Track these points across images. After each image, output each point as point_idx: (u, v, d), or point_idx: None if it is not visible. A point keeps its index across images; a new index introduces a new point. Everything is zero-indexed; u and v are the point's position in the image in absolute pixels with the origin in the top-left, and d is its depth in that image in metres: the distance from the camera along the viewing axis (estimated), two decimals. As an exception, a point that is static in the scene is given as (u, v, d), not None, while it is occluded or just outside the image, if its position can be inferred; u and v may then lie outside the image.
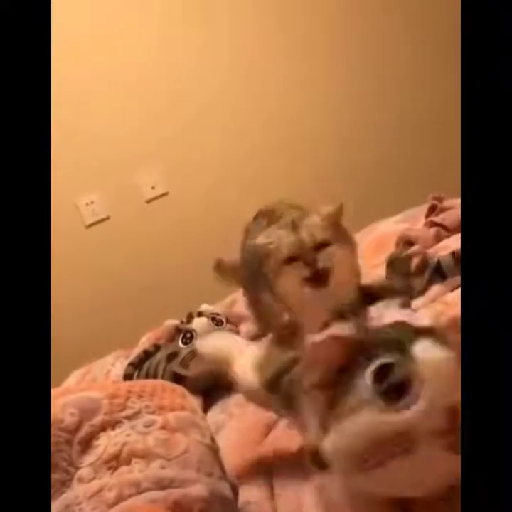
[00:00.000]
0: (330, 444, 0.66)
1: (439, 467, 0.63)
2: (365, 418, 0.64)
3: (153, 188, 2.98)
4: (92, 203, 2.94)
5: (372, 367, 0.65)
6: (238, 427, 1.24)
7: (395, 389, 0.63)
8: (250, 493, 0.98)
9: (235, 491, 0.91)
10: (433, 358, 0.65)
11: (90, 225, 2.96)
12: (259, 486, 0.99)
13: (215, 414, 1.38)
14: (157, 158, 2.98)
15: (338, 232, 1.25)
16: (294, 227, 1.24)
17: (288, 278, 1.21)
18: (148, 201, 2.99)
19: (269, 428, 1.15)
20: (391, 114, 3.09)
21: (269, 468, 1.03)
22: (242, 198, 2.81)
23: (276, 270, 1.23)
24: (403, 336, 0.68)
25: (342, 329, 0.71)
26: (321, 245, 1.20)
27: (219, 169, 3.02)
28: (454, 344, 0.65)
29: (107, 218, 2.95)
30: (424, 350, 0.66)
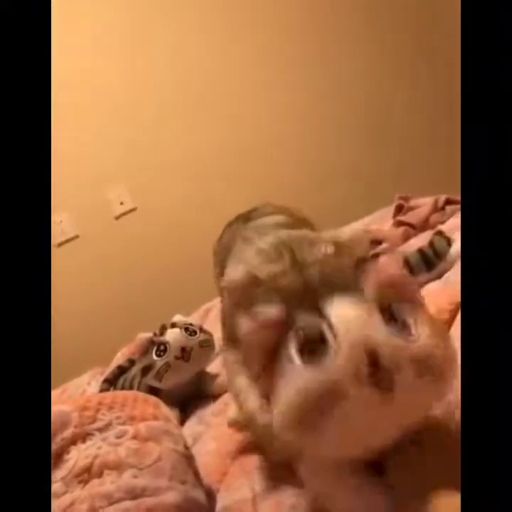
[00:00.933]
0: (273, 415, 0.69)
1: (374, 413, 0.65)
2: (293, 382, 0.66)
3: (121, 203, 2.97)
4: (61, 222, 2.93)
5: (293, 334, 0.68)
6: (216, 435, 1.23)
7: (311, 348, 0.66)
8: (230, 499, 0.97)
9: (211, 497, 0.90)
10: (343, 313, 0.68)
11: (60, 244, 2.94)
12: (239, 490, 0.99)
13: (192, 425, 1.36)
14: (124, 174, 2.98)
15: None
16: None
17: None
18: (117, 217, 2.98)
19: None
20: (353, 117, 3.13)
21: (249, 474, 1.03)
22: (210, 207, 2.83)
23: None
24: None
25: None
26: None
27: (186, 180, 3.01)
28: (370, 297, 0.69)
29: (77, 237, 2.94)
30: (335, 307, 0.68)
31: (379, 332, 0.66)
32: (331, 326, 0.67)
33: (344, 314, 0.68)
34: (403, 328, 0.69)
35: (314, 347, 0.66)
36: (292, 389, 0.67)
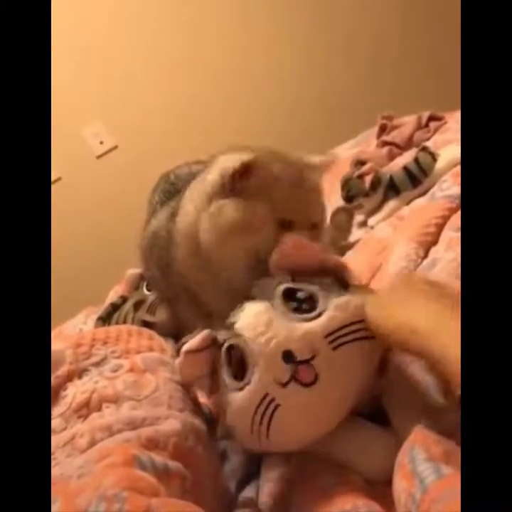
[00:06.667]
0: None
1: (310, 406, 0.72)
2: (230, 406, 0.76)
3: (101, 143, 2.92)
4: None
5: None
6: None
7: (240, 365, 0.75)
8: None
9: (212, 424, 0.91)
10: (249, 324, 0.75)
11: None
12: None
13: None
14: (102, 113, 2.91)
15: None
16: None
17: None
18: (99, 157, 2.93)
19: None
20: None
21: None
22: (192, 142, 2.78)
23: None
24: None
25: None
26: None
27: (165, 115, 2.96)
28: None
29: (59, 179, 2.89)
30: (242, 320, 0.77)
31: (286, 330, 0.72)
32: (245, 342, 0.73)
33: (250, 325, 0.74)
34: (309, 302, 0.75)
35: (241, 363, 0.74)
36: (231, 413, 0.76)
